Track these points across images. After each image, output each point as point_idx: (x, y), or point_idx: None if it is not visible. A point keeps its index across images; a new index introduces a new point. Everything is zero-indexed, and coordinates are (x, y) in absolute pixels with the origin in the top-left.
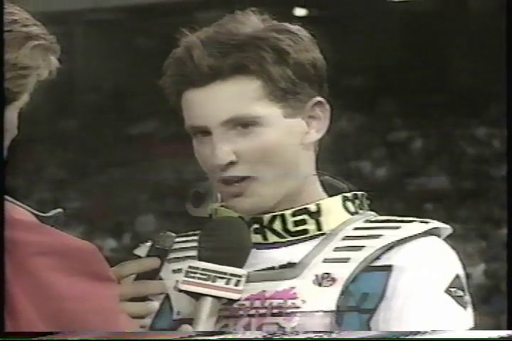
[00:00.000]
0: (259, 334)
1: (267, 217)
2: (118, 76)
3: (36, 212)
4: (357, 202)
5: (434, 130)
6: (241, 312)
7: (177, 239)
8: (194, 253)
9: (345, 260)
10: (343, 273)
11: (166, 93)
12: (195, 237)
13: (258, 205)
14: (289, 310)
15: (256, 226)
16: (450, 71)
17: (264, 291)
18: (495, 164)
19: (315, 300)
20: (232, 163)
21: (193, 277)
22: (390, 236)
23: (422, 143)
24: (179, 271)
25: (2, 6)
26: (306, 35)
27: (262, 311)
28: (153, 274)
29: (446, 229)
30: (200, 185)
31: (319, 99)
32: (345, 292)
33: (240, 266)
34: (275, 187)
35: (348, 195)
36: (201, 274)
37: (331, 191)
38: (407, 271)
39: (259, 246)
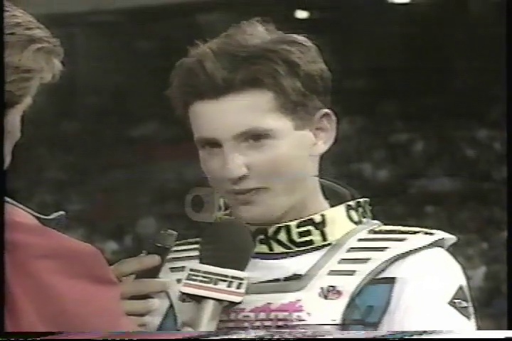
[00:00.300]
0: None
1: (272, 228)
2: (119, 78)
3: (38, 215)
4: (360, 210)
5: (435, 132)
6: (246, 325)
7: (178, 248)
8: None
9: (351, 273)
10: (349, 286)
11: (173, 103)
12: (196, 245)
13: (266, 215)
14: (294, 323)
15: (261, 237)
16: (451, 73)
17: (269, 303)
18: (496, 166)
19: (320, 313)
20: (244, 176)
21: (195, 280)
22: (395, 248)
23: (423, 145)
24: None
25: (2, 8)
26: (312, 46)
27: (267, 323)
28: (153, 272)
29: (451, 238)
30: (201, 190)
31: (327, 110)
32: (350, 305)
33: (242, 269)
34: (284, 197)
35: (351, 203)
36: (203, 277)
37: (332, 198)
38: (411, 284)
39: (264, 256)
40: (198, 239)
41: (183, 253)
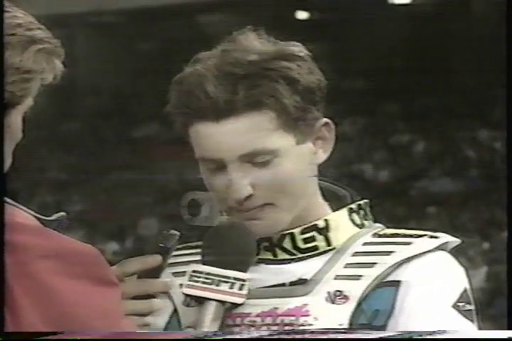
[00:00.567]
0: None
1: (276, 236)
2: (120, 78)
3: (39, 216)
4: (362, 212)
5: (437, 133)
6: (252, 329)
7: (179, 252)
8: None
9: (358, 277)
10: (356, 290)
11: (172, 120)
12: (198, 250)
13: (272, 229)
14: (300, 328)
15: (266, 244)
16: (452, 74)
17: (275, 308)
18: (497, 167)
19: (327, 318)
20: (249, 196)
21: (197, 281)
22: (401, 252)
23: (425, 146)
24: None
25: (2, 9)
26: (308, 55)
27: (273, 328)
28: (155, 272)
29: (455, 241)
30: (196, 194)
31: (326, 120)
32: (357, 309)
33: (244, 271)
34: (289, 211)
35: (353, 206)
36: (205, 278)
37: (331, 200)
38: (415, 287)
39: (268, 261)
40: (198, 243)
41: (184, 258)
